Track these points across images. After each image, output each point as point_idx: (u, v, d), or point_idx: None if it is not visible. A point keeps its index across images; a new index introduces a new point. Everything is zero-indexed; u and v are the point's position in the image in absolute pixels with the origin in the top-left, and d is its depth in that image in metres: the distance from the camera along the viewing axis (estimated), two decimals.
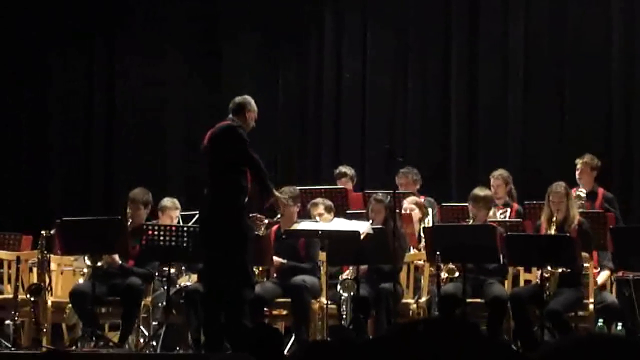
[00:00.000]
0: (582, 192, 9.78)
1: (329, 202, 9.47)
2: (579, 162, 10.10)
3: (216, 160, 8.20)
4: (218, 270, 8.08)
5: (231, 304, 8.06)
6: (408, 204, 9.89)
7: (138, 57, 13.44)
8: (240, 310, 8.04)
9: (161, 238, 8.81)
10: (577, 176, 10.02)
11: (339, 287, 8.83)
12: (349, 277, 8.88)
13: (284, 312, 9.15)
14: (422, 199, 10.38)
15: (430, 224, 9.70)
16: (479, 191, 9.14)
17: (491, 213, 9.42)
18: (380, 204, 9.17)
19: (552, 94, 12.40)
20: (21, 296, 9.20)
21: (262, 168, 8.19)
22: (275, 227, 9.27)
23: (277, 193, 8.39)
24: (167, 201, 9.93)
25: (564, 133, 12.21)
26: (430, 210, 10.12)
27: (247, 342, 7.57)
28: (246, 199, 8.14)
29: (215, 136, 8.25)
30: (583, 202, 9.68)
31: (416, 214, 9.81)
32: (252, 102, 8.50)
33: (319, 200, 9.47)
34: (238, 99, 8.51)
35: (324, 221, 9.14)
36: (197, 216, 9.59)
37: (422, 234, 9.57)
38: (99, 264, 9.00)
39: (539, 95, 12.42)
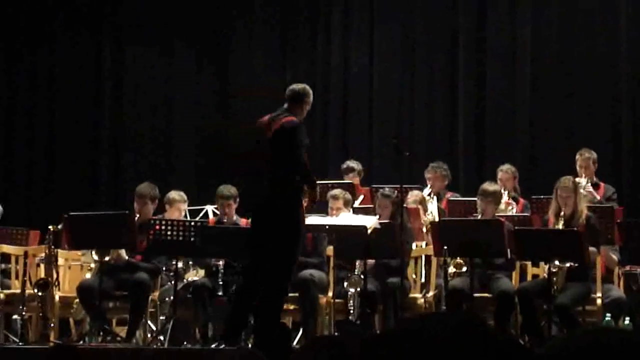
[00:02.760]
0: (582, 181, 9.79)
1: (348, 196, 9.41)
2: (579, 159, 10.14)
3: (277, 156, 7.85)
4: (264, 265, 7.78)
5: (270, 303, 7.84)
6: (412, 199, 9.89)
7: (146, 52, 13.43)
8: (278, 310, 7.92)
9: (168, 233, 8.79)
10: (582, 172, 10.01)
11: (345, 282, 8.81)
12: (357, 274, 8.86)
13: (292, 307, 9.15)
14: (449, 195, 10.38)
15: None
16: (488, 186, 9.13)
17: (503, 207, 9.42)
18: (387, 199, 9.16)
19: (560, 88, 12.36)
20: (29, 291, 9.19)
21: (310, 175, 7.85)
22: None
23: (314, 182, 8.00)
24: (174, 194, 9.85)
25: (572, 130, 12.16)
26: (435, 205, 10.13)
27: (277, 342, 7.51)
28: (302, 195, 7.86)
29: (279, 133, 7.85)
30: (590, 190, 9.74)
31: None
32: (311, 92, 8.18)
33: (339, 193, 9.41)
34: (298, 87, 8.16)
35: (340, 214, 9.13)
36: (205, 210, 9.56)
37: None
38: (107, 258, 9.01)
39: (547, 89, 12.38)
